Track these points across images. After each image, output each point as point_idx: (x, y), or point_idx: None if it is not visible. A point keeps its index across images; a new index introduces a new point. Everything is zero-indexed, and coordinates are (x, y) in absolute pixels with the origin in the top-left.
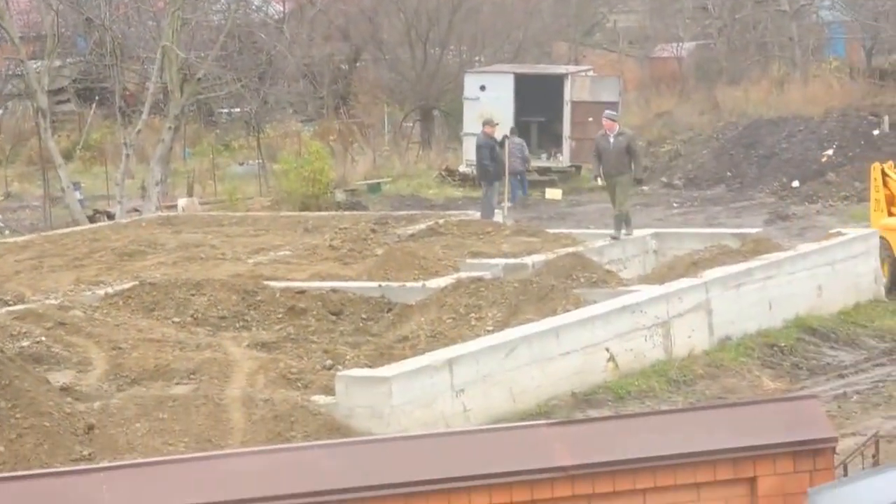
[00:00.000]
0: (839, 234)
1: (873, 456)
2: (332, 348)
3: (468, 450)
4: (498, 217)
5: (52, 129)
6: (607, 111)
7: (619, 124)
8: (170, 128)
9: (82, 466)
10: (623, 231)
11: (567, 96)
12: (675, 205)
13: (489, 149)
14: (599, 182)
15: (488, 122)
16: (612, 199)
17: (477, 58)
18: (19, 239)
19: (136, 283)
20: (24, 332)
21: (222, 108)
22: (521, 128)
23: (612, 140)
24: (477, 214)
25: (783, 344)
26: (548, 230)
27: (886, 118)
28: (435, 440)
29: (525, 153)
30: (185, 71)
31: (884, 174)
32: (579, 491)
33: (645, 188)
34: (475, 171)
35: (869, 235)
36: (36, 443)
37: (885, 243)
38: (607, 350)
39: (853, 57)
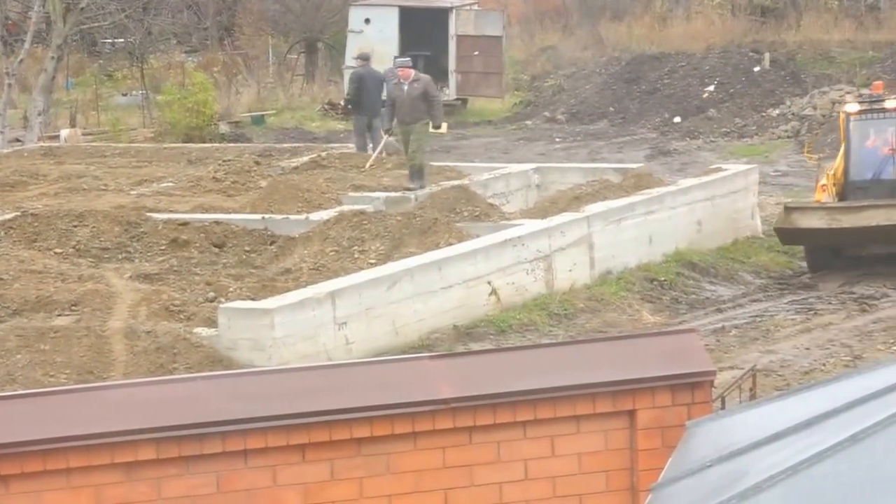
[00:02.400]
0: (719, 169)
1: (750, 389)
2: (215, 280)
3: (350, 382)
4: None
5: None
6: (399, 58)
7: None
8: (52, 58)
9: None
10: (418, 183)
11: (452, 30)
12: (557, 139)
13: (357, 81)
14: (391, 138)
15: (360, 56)
16: (405, 149)
17: None
18: None
19: (18, 213)
20: None
21: (106, 38)
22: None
23: (405, 88)
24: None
25: (663, 278)
26: (432, 163)
27: (767, 55)
28: (317, 372)
29: None
30: (67, 0)
31: None
32: (460, 423)
33: (528, 122)
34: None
35: (748, 171)
36: None
37: None
38: (489, 283)
39: None
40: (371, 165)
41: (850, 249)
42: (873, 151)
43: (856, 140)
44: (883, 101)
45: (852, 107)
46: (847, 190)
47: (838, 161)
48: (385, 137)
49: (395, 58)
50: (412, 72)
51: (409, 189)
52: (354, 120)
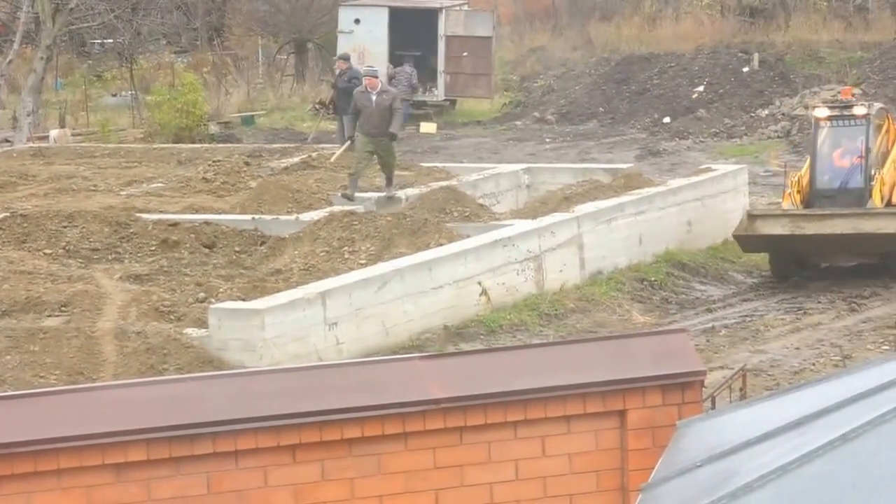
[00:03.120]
0: (709, 169)
1: (741, 389)
2: (205, 281)
3: (340, 383)
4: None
5: None
6: (367, 67)
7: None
8: (42, 58)
9: None
10: (393, 190)
11: (441, 30)
12: (547, 140)
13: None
14: (355, 144)
15: (342, 57)
16: (361, 160)
17: None
18: None
19: (7, 214)
20: None
21: (95, 38)
22: (395, 61)
23: (374, 98)
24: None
25: (653, 278)
26: (421, 164)
27: (756, 55)
28: (307, 373)
29: (413, 82)
30: (57, 1)
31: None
32: (451, 423)
33: (518, 123)
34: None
35: (738, 172)
36: None
37: None
38: (479, 284)
39: None
40: (335, 160)
41: (814, 258)
42: (840, 159)
43: (822, 146)
44: (851, 106)
45: (821, 112)
46: (812, 197)
47: (805, 167)
48: (347, 143)
49: (366, 67)
50: (379, 81)
51: (345, 193)
52: (339, 120)
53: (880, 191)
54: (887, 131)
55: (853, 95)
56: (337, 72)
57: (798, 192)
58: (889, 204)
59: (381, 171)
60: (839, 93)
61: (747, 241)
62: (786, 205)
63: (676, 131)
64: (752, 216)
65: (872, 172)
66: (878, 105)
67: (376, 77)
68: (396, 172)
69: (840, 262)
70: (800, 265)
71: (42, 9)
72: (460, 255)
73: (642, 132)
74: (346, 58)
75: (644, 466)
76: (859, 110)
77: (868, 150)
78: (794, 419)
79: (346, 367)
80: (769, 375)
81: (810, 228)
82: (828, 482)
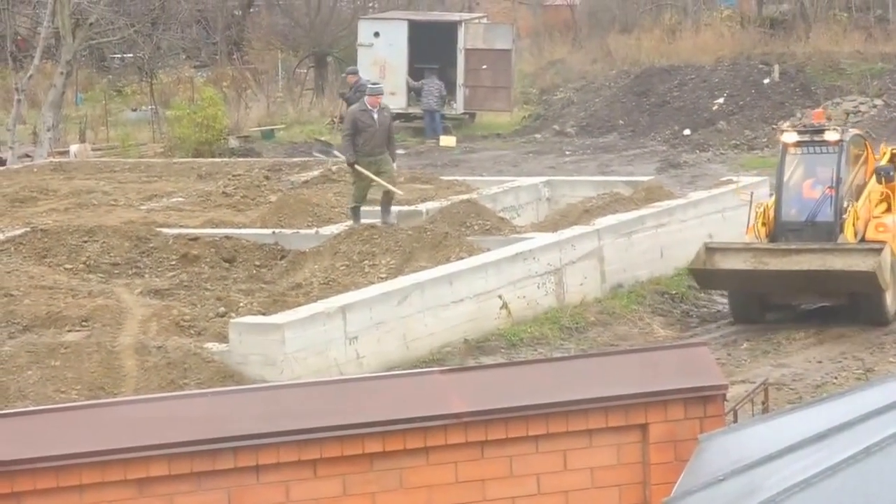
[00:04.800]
0: (730, 181)
1: (763, 403)
2: (226, 295)
3: (361, 397)
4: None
5: None
6: (371, 85)
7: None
8: (62, 73)
9: None
10: (391, 217)
11: (461, 44)
12: (567, 152)
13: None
14: (359, 169)
15: (351, 71)
16: (363, 183)
17: (371, 4)
18: None
19: (28, 229)
20: None
21: (115, 53)
22: (415, 75)
23: (375, 116)
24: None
25: (674, 291)
26: (441, 177)
27: (777, 67)
28: (328, 387)
29: (442, 93)
30: (77, 16)
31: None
32: (472, 437)
33: (537, 136)
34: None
35: (759, 183)
36: None
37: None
38: (500, 297)
39: (744, 6)
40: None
41: (777, 297)
42: (810, 189)
43: (791, 175)
44: (823, 132)
45: (789, 137)
46: (779, 231)
47: (772, 198)
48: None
49: (370, 83)
50: (382, 99)
51: (388, 222)
52: None
53: (853, 225)
54: (865, 161)
55: (827, 119)
56: (350, 85)
57: (763, 224)
58: (864, 240)
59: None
60: (811, 115)
61: (705, 276)
62: (749, 237)
63: (697, 143)
64: (710, 249)
65: (845, 205)
66: (853, 131)
67: (381, 94)
68: (418, 185)
69: (804, 302)
70: (763, 305)
71: (62, 24)
72: (481, 268)
73: (662, 144)
74: (354, 71)
75: (666, 480)
76: (831, 136)
77: (840, 179)
78: (817, 432)
79: (367, 381)
80: (791, 389)
81: (774, 264)
82: (851, 496)
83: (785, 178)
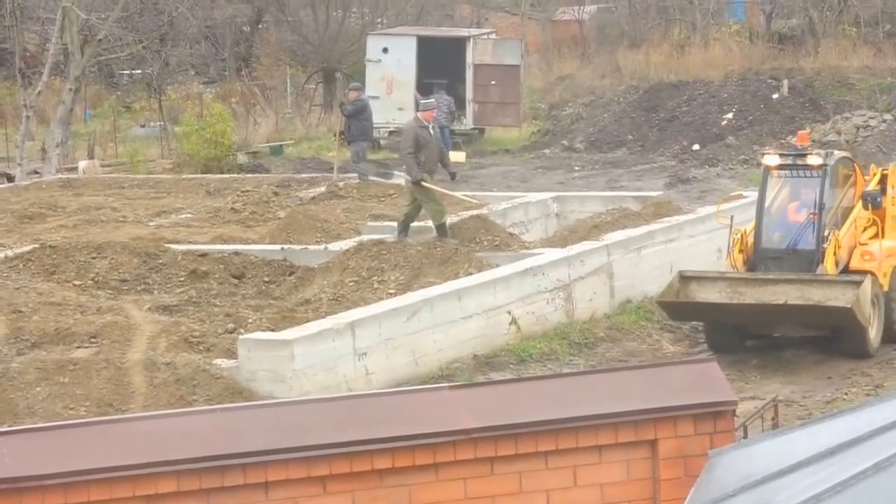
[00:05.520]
0: (739, 196)
1: (772, 419)
2: (234, 311)
3: (370, 413)
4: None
5: None
6: (422, 100)
7: None
8: (70, 89)
9: None
10: (448, 239)
11: (469, 59)
12: (576, 168)
13: (364, 110)
14: (426, 185)
15: (354, 87)
16: (436, 199)
17: (379, 20)
18: None
19: (37, 245)
20: None
21: (123, 69)
22: (424, 90)
23: (432, 131)
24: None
25: None
26: (450, 193)
27: (786, 82)
28: (337, 403)
29: (451, 108)
30: (85, 32)
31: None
32: (482, 454)
33: (546, 151)
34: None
35: (749, 205)
36: None
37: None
38: (509, 313)
39: (753, 21)
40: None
41: (755, 329)
42: (792, 215)
43: (772, 200)
44: (806, 155)
45: (771, 159)
46: (758, 259)
47: (752, 223)
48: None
49: (420, 99)
50: (434, 114)
51: (448, 242)
52: (354, 147)
53: (834, 254)
54: (854, 184)
55: (812, 142)
56: (350, 101)
57: (741, 251)
58: (847, 270)
59: (434, 218)
60: (794, 138)
61: (676, 308)
62: (726, 266)
63: (706, 158)
64: (685, 278)
65: (826, 233)
66: (839, 154)
67: (435, 109)
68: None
69: (785, 333)
70: (742, 335)
71: (71, 40)
72: (490, 284)
73: (671, 160)
74: (357, 87)
75: (676, 496)
76: (814, 160)
77: (822, 205)
78: (827, 448)
79: (376, 397)
80: (801, 405)
81: (751, 296)
82: None
83: (766, 203)
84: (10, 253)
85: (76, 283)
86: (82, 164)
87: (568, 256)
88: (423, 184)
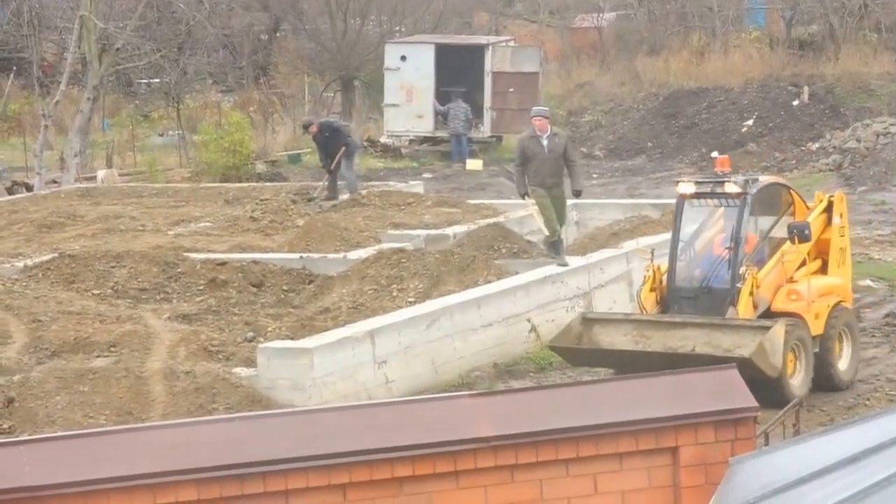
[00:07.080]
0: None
1: (794, 425)
2: (254, 320)
3: (390, 421)
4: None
5: None
6: (536, 108)
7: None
8: (88, 98)
9: (2, 440)
10: (561, 257)
11: (488, 67)
12: (595, 175)
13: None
14: (528, 201)
15: (305, 126)
16: (548, 218)
17: (397, 28)
18: None
19: (56, 255)
20: None
21: (141, 78)
22: (442, 98)
23: (545, 142)
24: (399, 185)
25: None
26: (469, 201)
27: (806, 88)
28: (357, 412)
29: (469, 116)
30: (103, 41)
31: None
32: (502, 461)
33: None
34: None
35: None
36: None
37: None
38: (529, 321)
39: (773, 27)
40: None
41: None
42: (705, 248)
43: (687, 233)
44: (724, 183)
45: (685, 188)
46: (671, 298)
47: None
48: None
49: (533, 107)
50: (548, 123)
51: (562, 265)
52: (346, 162)
53: (751, 293)
54: (792, 214)
55: (730, 168)
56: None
57: (652, 289)
58: (769, 313)
59: (549, 237)
60: (714, 163)
61: (575, 355)
62: (632, 307)
63: None
64: (588, 320)
65: (742, 270)
66: (768, 180)
67: (547, 118)
68: (445, 209)
69: None
70: None
71: (89, 49)
72: (509, 292)
73: (691, 167)
74: (309, 122)
75: None
76: (732, 188)
77: (739, 239)
78: (849, 455)
79: (396, 405)
80: (822, 411)
81: (657, 340)
82: None
83: (681, 237)
84: (29, 262)
85: (95, 291)
86: (101, 173)
87: (587, 264)
88: (526, 199)
